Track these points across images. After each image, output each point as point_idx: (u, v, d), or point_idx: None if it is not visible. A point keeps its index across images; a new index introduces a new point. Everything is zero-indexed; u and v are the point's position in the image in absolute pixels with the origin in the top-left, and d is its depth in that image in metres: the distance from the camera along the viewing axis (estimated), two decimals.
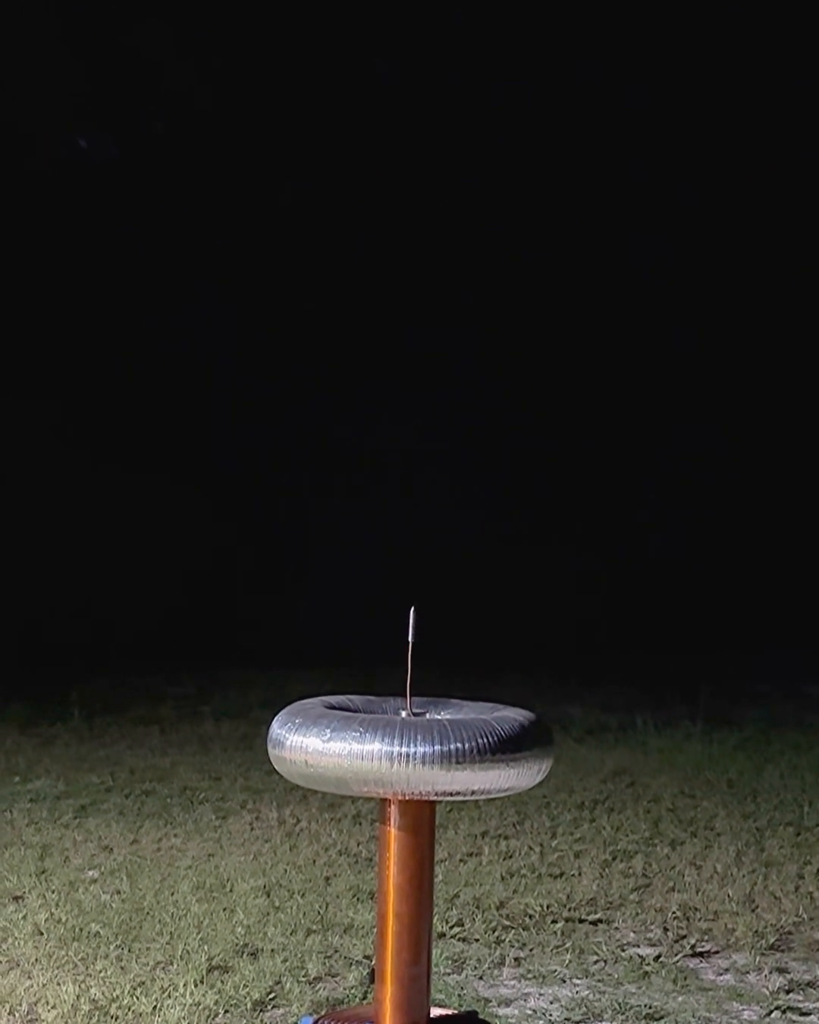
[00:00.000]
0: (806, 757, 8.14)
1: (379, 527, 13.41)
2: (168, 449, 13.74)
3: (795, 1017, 4.24)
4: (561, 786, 7.10)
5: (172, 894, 5.22)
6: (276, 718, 3.12)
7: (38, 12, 12.56)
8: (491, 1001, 4.30)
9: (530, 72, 14.07)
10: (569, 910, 5.13)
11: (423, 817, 3.07)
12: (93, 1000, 4.16)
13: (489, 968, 4.58)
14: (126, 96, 13.85)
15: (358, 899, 5.19)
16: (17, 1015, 4.08)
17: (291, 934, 4.80)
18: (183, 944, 4.65)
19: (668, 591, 13.98)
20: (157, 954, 4.58)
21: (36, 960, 4.52)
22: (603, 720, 9.25)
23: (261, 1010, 4.17)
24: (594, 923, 5.03)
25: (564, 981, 4.48)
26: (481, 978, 4.50)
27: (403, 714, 3.13)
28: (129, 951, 4.62)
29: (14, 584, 12.62)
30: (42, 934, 4.77)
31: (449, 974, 4.51)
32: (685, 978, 4.52)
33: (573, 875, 5.58)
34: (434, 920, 3.46)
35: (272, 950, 4.64)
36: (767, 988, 4.42)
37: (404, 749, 2.89)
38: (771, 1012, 4.25)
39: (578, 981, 4.49)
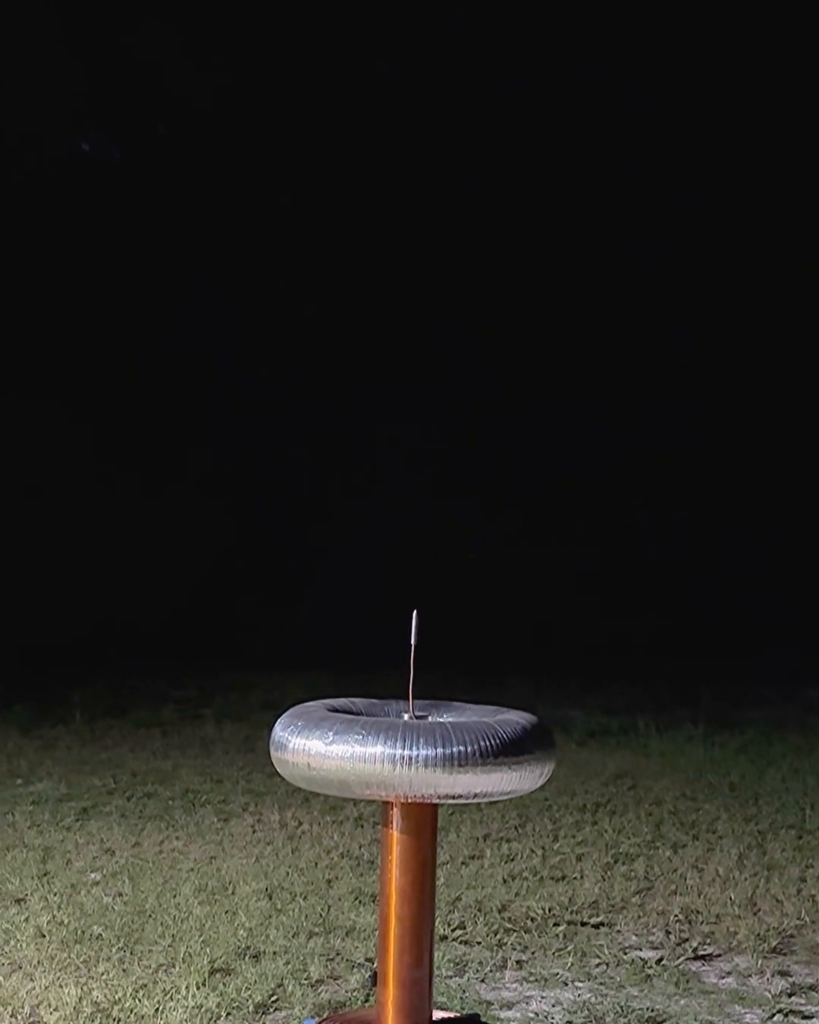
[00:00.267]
0: (808, 760, 8.13)
1: (380, 528, 13.40)
2: (169, 450, 13.75)
3: (797, 1020, 4.23)
4: (563, 789, 7.09)
5: (174, 897, 5.22)
6: (278, 721, 3.12)
7: (38, 13, 12.57)
8: (493, 1004, 4.30)
9: (530, 72, 14.08)
10: (571, 913, 5.13)
11: (425, 820, 3.07)
12: (95, 1002, 4.16)
13: (491, 971, 4.58)
14: (127, 97, 13.86)
15: (360, 902, 5.18)
16: (19, 1017, 4.08)
17: (293, 937, 4.80)
18: (185, 947, 4.64)
19: (668, 593, 13.97)
20: (159, 956, 4.58)
21: (38, 962, 4.51)
22: (605, 723, 9.24)
23: (263, 1013, 4.17)
24: (596, 926, 5.03)
25: (566, 984, 4.47)
26: (483, 981, 4.49)
27: (405, 717, 3.13)
28: (131, 954, 4.62)
29: (16, 586, 12.62)
30: (44, 936, 4.77)
31: (451, 977, 4.50)
32: (687, 981, 4.52)
33: (575, 878, 5.57)
34: (436, 923, 3.46)
35: (274, 953, 4.63)
36: (769, 991, 4.42)
37: (406, 752, 2.89)
38: (773, 1015, 4.25)
39: (580, 984, 4.48)
